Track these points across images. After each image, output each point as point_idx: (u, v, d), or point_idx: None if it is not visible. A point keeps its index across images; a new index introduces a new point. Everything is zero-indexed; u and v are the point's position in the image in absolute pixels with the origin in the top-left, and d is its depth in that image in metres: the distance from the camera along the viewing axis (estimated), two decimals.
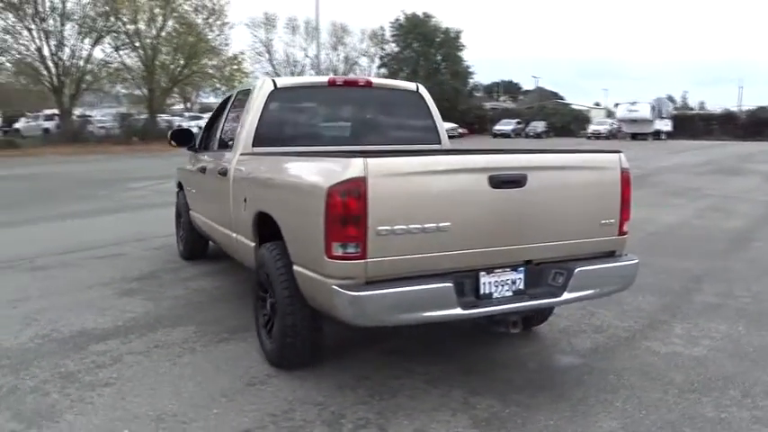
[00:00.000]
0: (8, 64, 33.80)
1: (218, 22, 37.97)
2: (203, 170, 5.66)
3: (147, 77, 36.91)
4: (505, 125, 52.93)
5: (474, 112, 60.20)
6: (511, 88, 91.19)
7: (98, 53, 35.42)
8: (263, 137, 4.73)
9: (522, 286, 3.47)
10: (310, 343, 3.77)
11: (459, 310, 3.21)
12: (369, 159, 3.05)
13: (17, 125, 39.41)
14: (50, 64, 33.65)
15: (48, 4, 32.88)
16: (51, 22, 33.37)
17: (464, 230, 3.26)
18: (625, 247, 3.85)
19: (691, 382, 3.78)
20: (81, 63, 34.33)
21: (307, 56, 63.21)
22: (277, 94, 4.81)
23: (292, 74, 65.64)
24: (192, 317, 4.95)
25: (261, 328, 4.02)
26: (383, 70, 60.49)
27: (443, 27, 58.57)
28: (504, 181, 3.30)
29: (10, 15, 32.26)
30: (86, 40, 34.27)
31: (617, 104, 54.27)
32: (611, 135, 49.04)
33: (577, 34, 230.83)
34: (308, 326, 3.66)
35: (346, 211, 3.01)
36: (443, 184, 3.21)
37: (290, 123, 4.97)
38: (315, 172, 3.39)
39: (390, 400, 3.52)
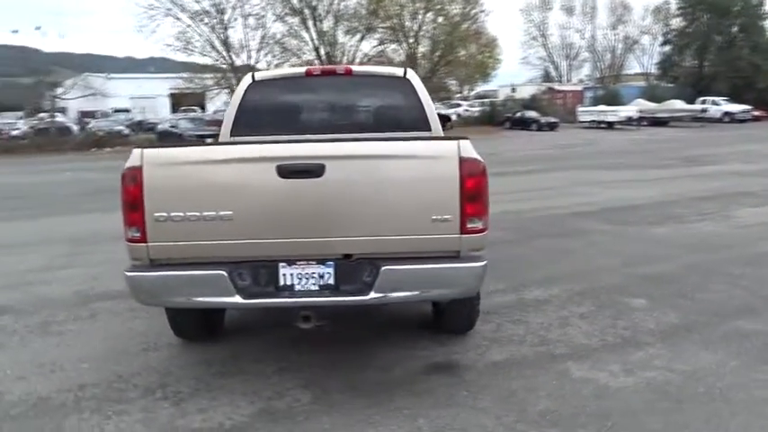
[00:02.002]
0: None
1: (474, 11, 38.62)
2: None
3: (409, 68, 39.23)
4: None
5: None
6: None
7: (363, 48, 38.77)
8: (241, 126, 5.10)
9: (331, 281, 3.31)
10: (193, 319, 4.05)
11: (237, 299, 3.23)
12: (145, 150, 3.25)
13: None
14: (324, 61, 37.86)
15: (323, 7, 36.97)
16: (327, 23, 37.51)
17: (250, 220, 3.24)
18: (481, 246, 3.36)
19: (550, 413, 3.18)
20: (346, 59, 37.95)
21: (582, 37, 60.59)
22: (255, 86, 5.13)
23: (567, 57, 63.62)
24: None
25: None
26: (667, 48, 55.15)
27: None
28: (295, 171, 3.19)
29: (296, 20, 37.03)
30: (353, 38, 37.75)
31: None
32: None
33: None
34: None
35: (128, 197, 3.25)
36: (225, 174, 3.23)
37: (267, 114, 5.22)
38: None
39: (228, 380, 3.66)
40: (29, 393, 3.55)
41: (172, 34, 35.78)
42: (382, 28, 38.06)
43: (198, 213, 3.22)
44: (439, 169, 3.22)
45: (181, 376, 3.74)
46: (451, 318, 4.10)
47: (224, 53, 35.33)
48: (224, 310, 4.14)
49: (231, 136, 5.08)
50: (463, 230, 3.26)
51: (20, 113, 45.46)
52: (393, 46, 39.16)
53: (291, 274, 3.31)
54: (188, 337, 4.19)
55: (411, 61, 38.78)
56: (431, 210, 3.23)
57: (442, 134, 5.04)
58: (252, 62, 35.57)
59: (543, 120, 36.64)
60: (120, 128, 34.36)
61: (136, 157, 3.22)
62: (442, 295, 3.39)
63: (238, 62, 35.14)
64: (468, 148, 3.25)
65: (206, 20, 34.81)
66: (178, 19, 34.00)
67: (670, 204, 9.42)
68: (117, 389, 3.59)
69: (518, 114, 38.48)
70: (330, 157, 3.22)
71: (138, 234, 3.26)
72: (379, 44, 38.73)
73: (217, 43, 35.16)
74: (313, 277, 3.31)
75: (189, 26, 34.38)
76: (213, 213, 3.22)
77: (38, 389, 3.61)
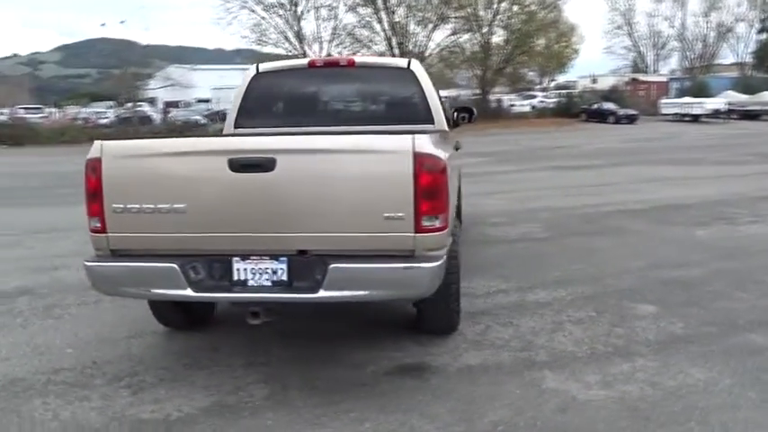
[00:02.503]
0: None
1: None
2: None
3: (482, 59, 38.63)
4: None
5: None
6: None
7: (436, 38, 38.43)
8: (245, 118, 5.13)
9: (284, 277, 3.25)
10: (173, 308, 4.09)
11: (189, 292, 3.22)
12: (104, 142, 3.29)
13: None
14: (396, 52, 37.79)
15: None
16: (399, 13, 37.38)
17: (203, 214, 3.23)
18: (438, 245, 3.20)
19: (503, 423, 3.00)
20: (418, 50, 37.75)
21: (672, 26, 57.69)
22: (259, 78, 5.14)
23: (654, 47, 60.64)
24: None
25: None
26: (764, 36, 51.82)
27: None
28: (245, 165, 3.14)
29: (368, 10, 37.13)
30: (425, 28, 37.45)
31: None
32: None
33: None
34: None
35: (89, 187, 3.31)
36: (179, 167, 3.23)
37: (270, 105, 5.22)
38: None
39: (195, 371, 3.68)
40: (5, 375, 3.69)
41: (247, 26, 36.66)
42: (455, 17, 37.56)
43: (153, 206, 3.23)
44: (392, 165, 3.09)
45: (151, 365, 3.79)
46: (428, 318, 3.96)
47: (296, 44, 35.92)
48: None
49: (235, 127, 5.11)
50: (418, 229, 3.12)
51: (110, 103, 47.95)
52: (466, 36, 38.59)
53: (245, 269, 3.27)
54: (171, 326, 4.25)
55: (484, 51, 38.17)
56: (383, 207, 3.11)
57: (445, 127, 4.89)
58: (323, 53, 35.99)
59: (621, 112, 35.17)
60: (198, 117, 35.60)
61: (96, 148, 3.27)
62: (392, 296, 3.26)
63: (310, 53, 35.62)
64: (424, 144, 3.11)
65: (280, 12, 35.50)
66: (253, 11, 34.86)
67: (726, 204, 8.79)
68: (88, 374, 3.68)
69: (595, 106, 37.11)
70: (281, 150, 3.15)
71: (99, 224, 3.31)
72: (452, 34, 38.26)
73: (290, 35, 35.80)
74: (266, 273, 3.26)
75: (263, 18, 35.17)
76: (167, 206, 3.22)
77: (16, 371, 3.74)
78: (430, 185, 3.10)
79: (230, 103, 5.42)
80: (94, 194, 3.28)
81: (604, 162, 15.62)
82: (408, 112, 5.01)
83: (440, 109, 4.94)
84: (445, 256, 3.22)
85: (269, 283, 3.26)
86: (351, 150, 3.15)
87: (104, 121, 36.07)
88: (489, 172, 14.27)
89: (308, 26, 38.92)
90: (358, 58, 5.09)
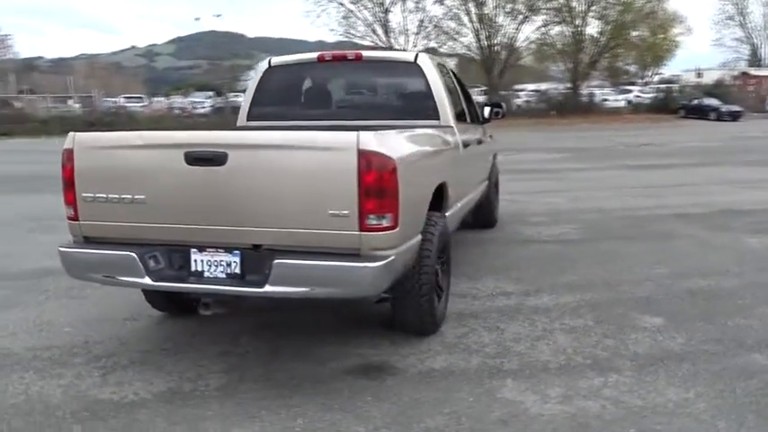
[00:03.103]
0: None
1: None
2: None
3: (574, 52, 37.33)
4: None
5: None
6: None
7: (526, 30, 37.48)
8: (256, 111, 5.23)
9: (237, 270, 3.29)
10: (159, 293, 4.22)
11: (147, 280, 3.33)
12: (77, 134, 3.44)
13: None
14: (484, 45, 37.21)
15: None
16: (488, 5, 36.72)
17: (162, 205, 3.32)
18: (387, 245, 3.13)
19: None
20: (506, 41, 36.95)
21: None
22: (271, 71, 5.22)
23: None
24: None
25: None
26: None
27: None
28: (199, 158, 3.20)
29: (456, 2, 36.70)
30: (514, 20, 36.58)
31: None
32: None
33: None
34: None
35: (64, 177, 3.48)
36: (141, 158, 3.33)
37: (280, 99, 5.27)
38: None
39: (168, 357, 3.81)
40: (2, 348, 3.96)
41: (336, 19, 37.22)
42: (546, 9, 36.47)
43: (117, 196, 3.36)
44: (337, 162, 3.05)
45: (132, 348, 3.95)
46: (398, 318, 3.89)
47: (383, 37, 36.11)
48: None
49: (247, 120, 5.22)
50: (362, 228, 3.06)
51: (209, 93, 50.22)
52: (558, 28, 37.38)
53: (202, 261, 3.34)
54: (161, 310, 4.40)
55: (577, 44, 36.87)
56: (329, 204, 3.08)
57: (450, 123, 4.77)
58: (409, 46, 36.01)
59: (724, 108, 32.97)
60: None
61: (70, 139, 3.44)
62: (335, 294, 3.22)
63: (396, 46, 35.72)
64: (371, 141, 3.04)
65: (368, 4, 35.79)
66: (341, 4, 35.34)
67: None
68: (73, 353, 3.88)
69: (695, 102, 34.99)
70: (232, 145, 3.19)
71: (73, 212, 3.48)
72: (543, 26, 37.18)
73: (377, 27, 36.03)
74: (221, 265, 3.31)
75: (351, 11, 35.60)
76: (129, 197, 3.34)
77: (14, 345, 4.01)
78: (375, 184, 3.04)
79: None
80: (69, 184, 3.45)
81: (686, 162, 14.73)
82: (413, 107, 4.93)
83: (447, 104, 4.82)
84: (393, 257, 3.14)
85: (223, 276, 3.31)
86: (297, 146, 3.13)
87: (201, 110, 37.79)
88: (559, 169, 13.82)
89: (395, 18, 38.91)
90: (366, 53, 5.04)
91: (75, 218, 3.48)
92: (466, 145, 4.97)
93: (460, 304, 4.64)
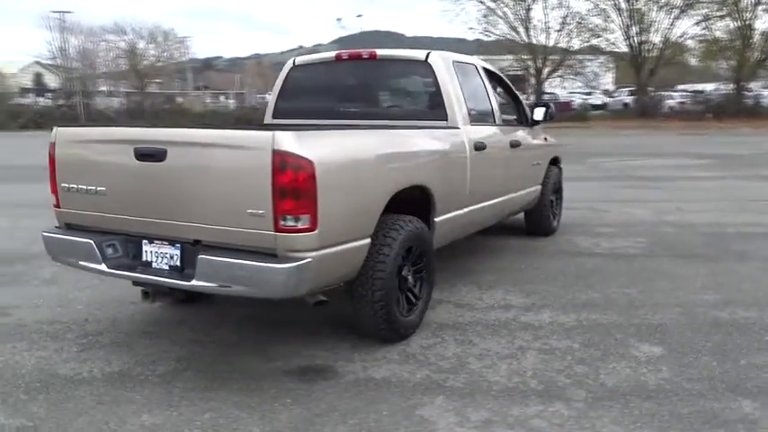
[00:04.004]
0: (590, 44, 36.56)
1: None
2: None
3: (738, 49, 33.95)
4: None
5: None
6: None
7: (683, 25, 34.67)
8: (280, 111, 5.39)
9: (178, 263, 3.43)
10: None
11: (103, 267, 3.56)
12: (59, 128, 3.75)
13: (606, 100, 42.27)
14: (633, 42, 34.95)
15: None
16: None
17: (118, 197, 3.53)
18: (305, 247, 3.09)
19: None
20: (660, 39, 34.39)
21: None
22: (295, 70, 5.34)
23: None
24: None
25: None
26: None
27: None
28: (144, 154, 3.37)
29: None
30: (669, 15, 33.97)
31: None
32: None
33: None
34: None
35: (50, 167, 3.82)
36: (101, 153, 3.57)
37: (302, 98, 5.36)
38: None
39: (140, 340, 4.05)
40: (19, 319, 4.40)
41: (475, 17, 36.80)
42: (708, 2, 33.46)
43: (84, 187, 3.63)
44: (253, 161, 3.07)
45: (119, 329, 4.23)
46: (357, 323, 3.82)
47: (523, 35, 35.15)
48: None
49: (272, 118, 5.38)
50: (277, 228, 3.06)
51: None
52: (720, 23, 34.13)
53: (151, 252, 3.51)
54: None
55: (743, 39, 33.49)
56: (247, 203, 3.11)
57: (458, 124, 4.61)
58: (550, 43, 34.74)
59: None
60: None
61: (53, 133, 3.76)
62: (249, 293, 3.21)
63: (537, 44, 34.64)
64: (288, 141, 3.02)
65: (509, 2, 35.00)
66: (481, 2, 34.88)
67: None
68: (68, 329, 4.23)
69: None
70: (168, 142, 3.32)
71: (55, 201, 3.81)
72: (703, 20, 34.14)
73: (517, 24, 35.15)
74: (166, 257, 3.46)
75: (491, 9, 35.02)
76: (93, 188, 3.59)
77: (30, 317, 4.44)
78: (291, 184, 3.02)
79: None
80: (52, 174, 3.78)
81: None
82: (421, 107, 4.82)
83: (457, 105, 4.63)
84: (309, 260, 3.09)
85: (167, 268, 3.45)
86: (219, 144, 3.20)
87: None
88: (678, 177, 12.70)
89: (536, 15, 37.59)
90: (380, 51, 4.95)
91: (57, 205, 3.80)
92: (478, 148, 4.73)
93: (451, 313, 4.46)
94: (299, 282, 3.10)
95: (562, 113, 35.56)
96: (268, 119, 5.43)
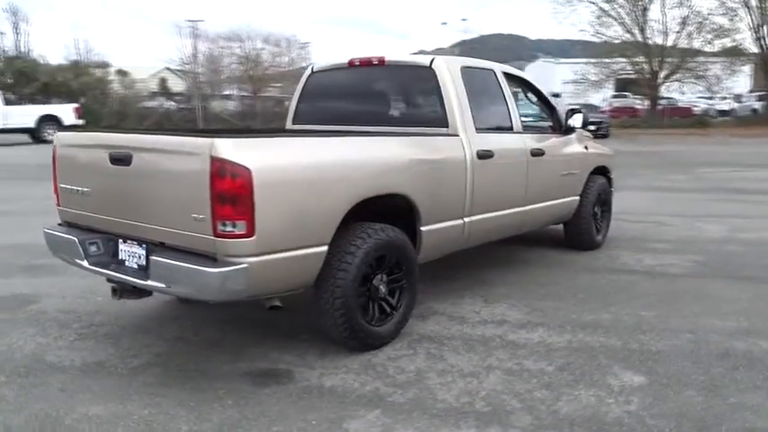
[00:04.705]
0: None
1: None
2: None
3: None
4: None
5: None
6: None
7: None
8: (299, 116, 5.51)
9: (144, 262, 3.59)
10: None
11: (85, 263, 3.80)
12: (60, 132, 4.05)
13: (734, 106, 39.14)
14: (765, 43, 32.20)
15: None
16: None
17: (98, 198, 3.76)
18: (242, 252, 3.14)
19: None
20: None
21: None
22: (313, 77, 5.44)
23: None
24: None
25: None
26: None
27: None
28: (115, 158, 3.57)
29: None
30: None
31: None
32: None
33: None
34: None
35: (52, 168, 4.13)
36: (86, 156, 3.82)
37: (318, 103, 5.42)
38: None
39: (122, 331, 4.29)
40: (42, 308, 4.75)
41: (587, 19, 35.40)
42: None
43: (75, 188, 3.90)
44: (195, 167, 3.16)
45: (118, 322, 4.46)
46: (322, 328, 3.82)
47: (638, 36, 33.36)
48: None
49: (292, 124, 5.51)
50: (215, 233, 3.13)
51: None
52: None
53: (124, 251, 3.71)
54: None
55: None
56: (192, 207, 3.21)
57: (457, 131, 4.52)
58: (668, 42, 32.73)
59: None
60: None
61: (55, 137, 4.08)
62: (190, 295, 3.30)
63: (653, 44, 32.77)
64: (226, 148, 3.09)
65: (624, 4, 33.37)
66: (593, 3, 33.51)
67: None
68: (77, 319, 4.53)
69: None
70: (133, 147, 3.49)
71: (56, 200, 4.12)
72: None
73: (632, 26, 33.43)
74: (135, 256, 3.64)
75: (604, 11, 33.55)
76: (80, 189, 3.86)
77: (53, 307, 4.77)
78: (228, 191, 3.08)
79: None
80: (53, 174, 4.09)
81: None
82: (424, 113, 4.74)
83: (459, 111, 4.51)
84: (245, 265, 3.14)
85: (135, 266, 3.63)
86: (168, 150, 3.34)
87: None
88: None
89: (653, 16, 35.45)
90: (389, 57, 4.91)
91: (58, 204, 4.11)
92: (483, 156, 4.57)
93: (439, 325, 4.35)
94: (235, 286, 3.15)
95: (681, 119, 33.51)
96: (288, 124, 5.54)
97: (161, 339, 4.16)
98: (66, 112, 24.87)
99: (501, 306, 4.75)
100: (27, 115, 24.12)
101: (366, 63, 5.05)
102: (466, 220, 4.57)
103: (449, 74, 4.58)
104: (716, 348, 3.93)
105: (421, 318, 4.46)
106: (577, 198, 6.12)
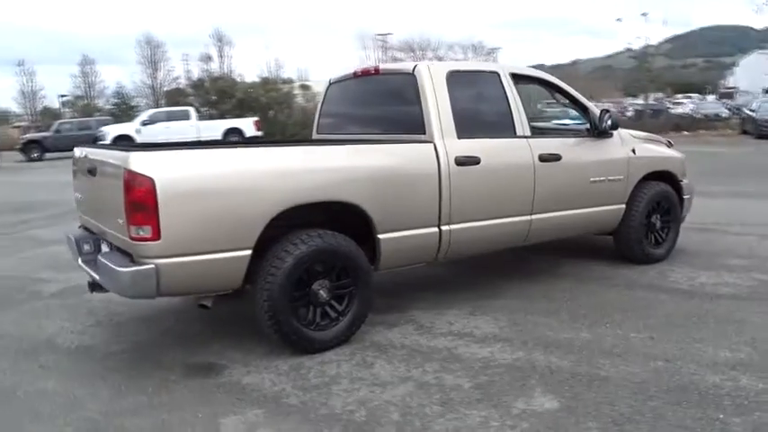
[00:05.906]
0: None
1: None
2: None
3: None
4: None
5: None
6: None
7: None
8: (321, 126, 5.80)
9: None
10: None
11: (79, 260, 4.41)
12: (76, 148, 4.72)
13: None
14: None
15: None
16: None
17: (86, 203, 4.37)
18: (148, 254, 3.47)
19: None
20: None
21: None
22: (331, 87, 5.68)
23: None
24: None
25: None
26: None
27: None
28: (88, 170, 4.13)
29: None
30: None
31: None
32: None
33: None
34: None
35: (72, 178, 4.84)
36: (80, 167, 4.42)
37: (332, 113, 5.63)
38: None
39: (132, 325, 4.86)
40: (91, 297, 5.47)
41: None
42: None
43: (78, 195, 4.56)
44: (118, 178, 3.56)
45: (130, 312, 4.96)
46: (260, 329, 4.02)
47: None
48: None
49: (317, 133, 5.83)
50: (130, 237, 3.51)
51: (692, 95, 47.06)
52: None
53: (105, 251, 4.25)
54: None
55: None
56: (119, 213, 3.61)
57: (433, 138, 4.52)
58: None
59: None
60: (722, 111, 32.52)
61: (74, 150, 4.77)
62: (113, 290, 3.70)
63: None
64: (135, 161, 3.45)
65: None
66: None
67: None
68: (106, 308, 5.13)
69: None
70: (95, 160, 4.03)
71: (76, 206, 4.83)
72: None
73: None
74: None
75: None
76: (77, 195, 4.50)
77: (100, 296, 5.39)
78: (136, 199, 3.45)
79: None
80: (73, 184, 4.79)
81: None
82: (405, 119, 4.74)
83: (434, 116, 4.45)
84: (152, 266, 3.46)
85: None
86: (107, 163, 3.79)
87: (629, 113, 36.44)
88: None
89: None
90: (382, 65, 4.94)
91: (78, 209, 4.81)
92: (462, 163, 4.46)
93: (399, 334, 4.32)
94: (145, 285, 3.49)
95: None
96: (314, 134, 5.81)
97: (150, 330, 4.64)
98: (248, 124, 27.62)
99: (482, 319, 4.56)
100: (215, 129, 27.12)
101: (366, 73, 5.15)
102: (444, 228, 4.47)
103: (430, 80, 4.53)
104: (678, 381, 3.46)
105: (389, 325, 4.47)
106: (622, 206, 5.61)
